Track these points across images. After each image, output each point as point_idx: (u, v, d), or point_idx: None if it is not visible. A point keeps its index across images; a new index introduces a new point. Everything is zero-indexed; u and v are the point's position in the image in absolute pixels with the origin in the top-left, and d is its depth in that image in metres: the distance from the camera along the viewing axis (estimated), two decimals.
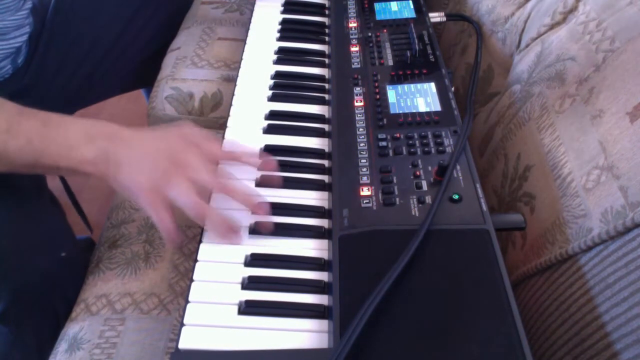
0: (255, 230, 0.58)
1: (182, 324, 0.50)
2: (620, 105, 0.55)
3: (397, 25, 0.83)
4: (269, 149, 0.67)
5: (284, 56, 0.83)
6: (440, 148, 0.62)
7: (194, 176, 0.56)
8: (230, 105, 0.74)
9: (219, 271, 0.55)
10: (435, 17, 0.88)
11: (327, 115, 0.73)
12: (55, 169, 0.57)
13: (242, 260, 0.56)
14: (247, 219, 0.59)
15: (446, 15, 0.90)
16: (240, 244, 0.57)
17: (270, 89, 0.77)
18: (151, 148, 0.58)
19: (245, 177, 0.63)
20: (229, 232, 0.57)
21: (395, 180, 0.58)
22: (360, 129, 0.66)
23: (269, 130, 0.70)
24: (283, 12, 0.93)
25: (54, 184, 0.98)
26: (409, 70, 0.73)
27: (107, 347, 0.63)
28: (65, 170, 0.57)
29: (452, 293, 0.48)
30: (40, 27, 0.92)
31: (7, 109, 0.56)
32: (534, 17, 0.77)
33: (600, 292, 0.51)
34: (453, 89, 0.70)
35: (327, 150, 0.68)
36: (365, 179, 0.60)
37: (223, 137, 0.69)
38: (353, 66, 0.76)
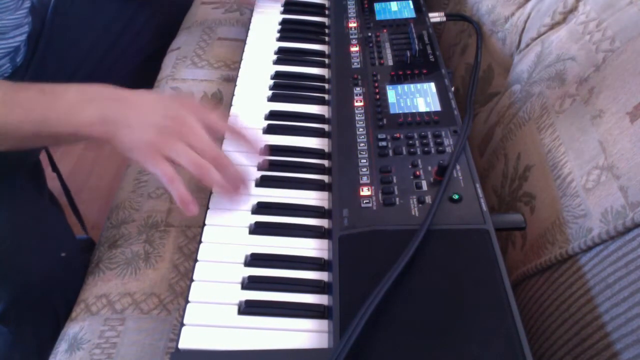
0: (255, 229, 0.58)
1: (182, 324, 0.50)
2: (620, 105, 0.55)
3: (397, 25, 0.83)
4: (269, 149, 0.67)
5: (283, 56, 0.83)
6: (440, 148, 0.62)
7: (192, 138, 0.56)
8: (230, 105, 0.74)
9: (219, 271, 0.55)
10: (435, 17, 0.88)
11: (327, 115, 0.73)
12: (57, 137, 0.57)
13: (242, 260, 0.56)
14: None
15: (446, 15, 0.90)
16: (243, 243, 0.57)
17: (270, 89, 0.77)
18: (153, 107, 0.58)
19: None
20: (233, 189, 0.57)
21: (395, 180, 0.58)
22: (360, 129, 0.66)
23: (269, 130, 0.70)
24: (283, 12, 0.93)
25: (53, 184, 0.98)
26: (409, 70, 0.73)
27: (107, 347, 0.63)
28: (66, 137, 0.57)
29: (452, 293, 0.48)
30: (40, 27, 0.92)
31: (3, 84, 0.57)
32: (534, 17, 0.77)
33: (600, 292, 0.51)
34: (453, 89, 0.70)
35: (327, 150, 0.68)
36: (365, 179, 0.60)
37: (223, 137, 0.69)
38: (353, 66, 0.76)
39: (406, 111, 0.67)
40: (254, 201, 0.61)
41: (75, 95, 0.57)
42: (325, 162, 0.66)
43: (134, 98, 0.58)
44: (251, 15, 0.92)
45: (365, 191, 0.58)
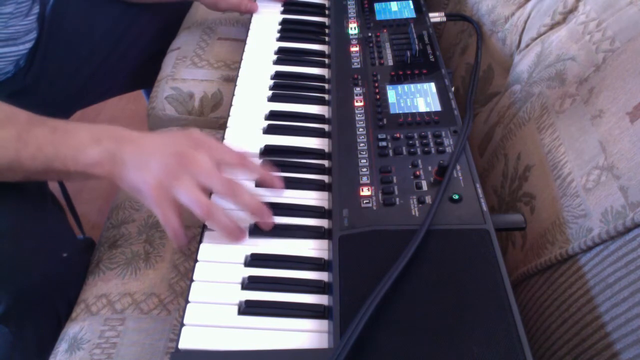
0: (255, 230, 0.58)
1: (182, 324, 0.50)
2: (620, 105, 0.55)
3: (397, 25, 0.83)
4: (269, 149, 0.67)
5: (284, 56, 0.83)
6: (440, 148, 0.62)
7: (201, 176, 0.56)
8: (230, 105, 0.74)
9: (219, 271, 0.55)
10: (435, 17, 0.88)
11: (327, 115, 0.73)
12: (66, 173, 0.58)
13: (242, 260, 0.56)
14: (246, 220, 0.59)
15: (446, 15, 0.90)
16: (243, 244, 0.57)
17: (270, 89, 0.77)
18: (158, 147, 0.58)
19: (245, 178, 0.63)
20: (236, 232, 0.56)
21: (395, 180, 0.59)
22: (360, 129, 0.66)
23: (269, 130, 0.70)
24: (283, 12, 0.93)
25: (54, 185, 0.98)
26: (409, 70, 0.73)
27: (107, 347, 0.63)
28: (75, 174, 0.58)
29: (452, 293, 0.48)
30: (41, 28, 0.92)
31: (18, 119, 0.58)
32: (534, 17, 0.77)
33: (600, 292, 0.51)
34: (453, 89, 0.70)
35: (327, 150, 0.68)
36: (365, 179, 0.60)
37: (223, 137, 0.69)
38: (353, 66, 0.76)
39: (406, 111, 0.67)
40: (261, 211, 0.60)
41: (86, 135, 0.58)
42: (325, 162, 0.66)
43: (142, 139, 0.59)
44: (251, 15, 0.92)
45: (365, 191, 0.58)
